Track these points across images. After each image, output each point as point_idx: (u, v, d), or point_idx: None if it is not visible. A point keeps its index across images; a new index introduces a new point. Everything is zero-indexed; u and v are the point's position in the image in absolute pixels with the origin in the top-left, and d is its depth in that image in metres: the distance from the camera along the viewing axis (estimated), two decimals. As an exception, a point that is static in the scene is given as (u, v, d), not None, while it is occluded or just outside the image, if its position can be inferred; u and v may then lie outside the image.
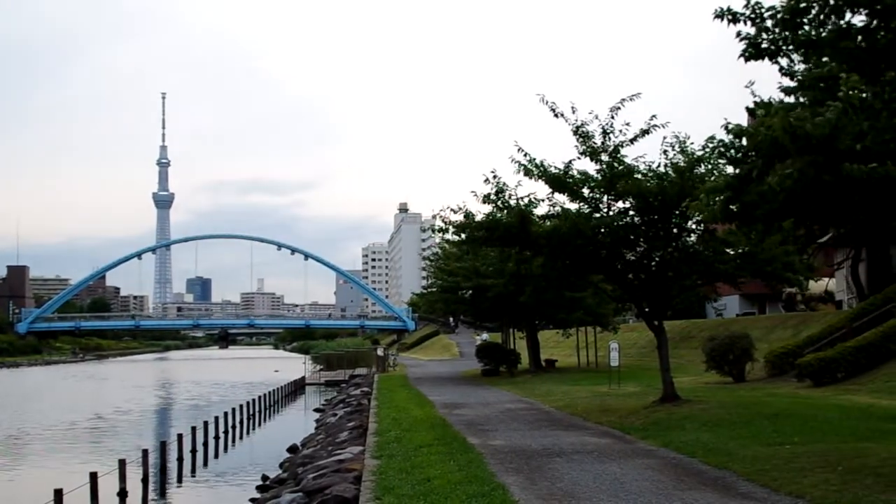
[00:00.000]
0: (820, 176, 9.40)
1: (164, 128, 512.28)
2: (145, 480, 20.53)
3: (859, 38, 9.47)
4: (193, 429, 26.19)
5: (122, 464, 19.16)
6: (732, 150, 11.08)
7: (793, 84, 10.78)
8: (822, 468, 10.96)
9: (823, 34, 9.73)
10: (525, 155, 19.52)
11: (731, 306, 51.84)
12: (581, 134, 19.11)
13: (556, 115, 19.00)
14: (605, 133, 19.02)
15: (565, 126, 19.10)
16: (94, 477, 17.15)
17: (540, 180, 19.49)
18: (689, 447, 13.50)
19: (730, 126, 10.58)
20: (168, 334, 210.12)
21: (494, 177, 20.52)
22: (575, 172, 19.44)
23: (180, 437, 24.51)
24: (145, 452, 21.14)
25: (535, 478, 11.48)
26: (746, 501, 9.61)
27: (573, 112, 19.03)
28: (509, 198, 20.59)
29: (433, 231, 24.23)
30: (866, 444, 12.63)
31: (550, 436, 16.08)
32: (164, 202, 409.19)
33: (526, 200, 20.58)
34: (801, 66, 10.30)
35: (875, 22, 9.33)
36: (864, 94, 9.09)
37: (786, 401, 19.21)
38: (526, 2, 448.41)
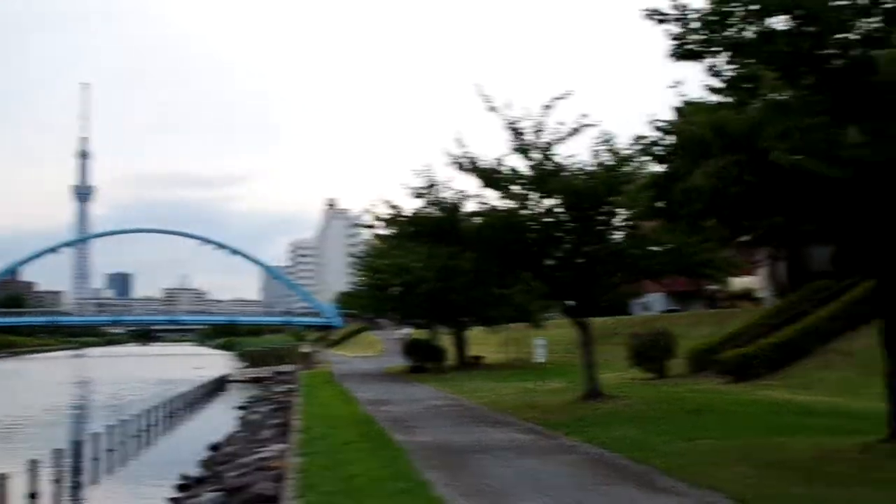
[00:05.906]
0: (742, 175, 9.55)
1: (84, 119, 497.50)
2: (58, 481, 19.80)
3: (782, 41, 9.64)
4: (109, 427, 25.39)
5: (33, 464, 18.43)
6: (658, 148, 11.20)
7: (720, 84, 10.94)
8: (739, 462, 11.21)
9: (747, 36, 9.89)
10: (462, 147, 19.49)
11: (655, 304, 52.79)
12: (513, 130, 19.14)
13: (491, 109, 18.98)
14: (536, 131, 19.08)
15: (499, 124, 19.10)
16: (2, 478, 16.46)
17: (471, 174, 19.47)
18: (612, 443, 13.63)
19: (657, 123, 10.66)
20: (88, 331, 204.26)
21: (426, 171, 20.43)
22: (505, 168, 19.46)
23: (96, 435, 23.75)
24: (58, 452, 20.39)
25: (459, 474, 11.44)
26: (666, 495, 9.72)
27: (507, 108, 19.06)
28: (440, 192, 20.48)
29: (362, 227, 24.01)
30: (782, 439, 12.99)
31: (476, 432, 16.07)
32: (83, 195, 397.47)
33: (457, 195, 20.50)
34: (727, 67, 10.45)
35: (797, 27, 9.52)
36: (782, 95, 9.25)
37: (707, 396, 19.60)
38: None
